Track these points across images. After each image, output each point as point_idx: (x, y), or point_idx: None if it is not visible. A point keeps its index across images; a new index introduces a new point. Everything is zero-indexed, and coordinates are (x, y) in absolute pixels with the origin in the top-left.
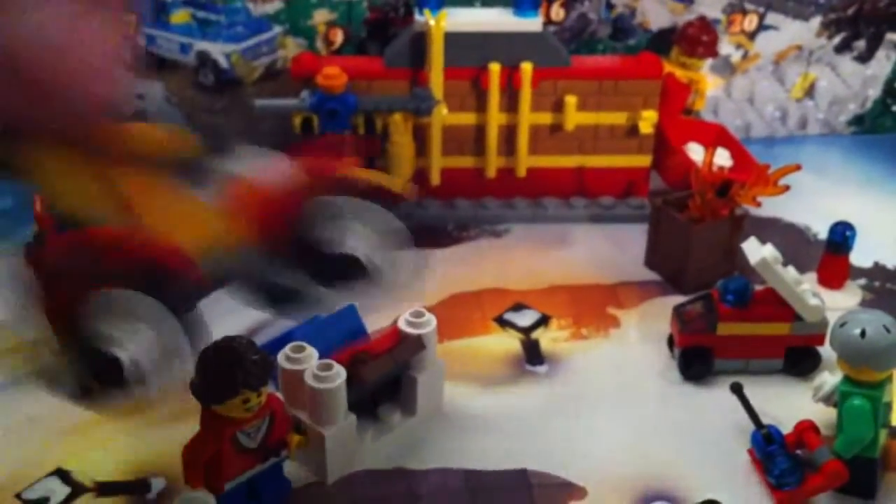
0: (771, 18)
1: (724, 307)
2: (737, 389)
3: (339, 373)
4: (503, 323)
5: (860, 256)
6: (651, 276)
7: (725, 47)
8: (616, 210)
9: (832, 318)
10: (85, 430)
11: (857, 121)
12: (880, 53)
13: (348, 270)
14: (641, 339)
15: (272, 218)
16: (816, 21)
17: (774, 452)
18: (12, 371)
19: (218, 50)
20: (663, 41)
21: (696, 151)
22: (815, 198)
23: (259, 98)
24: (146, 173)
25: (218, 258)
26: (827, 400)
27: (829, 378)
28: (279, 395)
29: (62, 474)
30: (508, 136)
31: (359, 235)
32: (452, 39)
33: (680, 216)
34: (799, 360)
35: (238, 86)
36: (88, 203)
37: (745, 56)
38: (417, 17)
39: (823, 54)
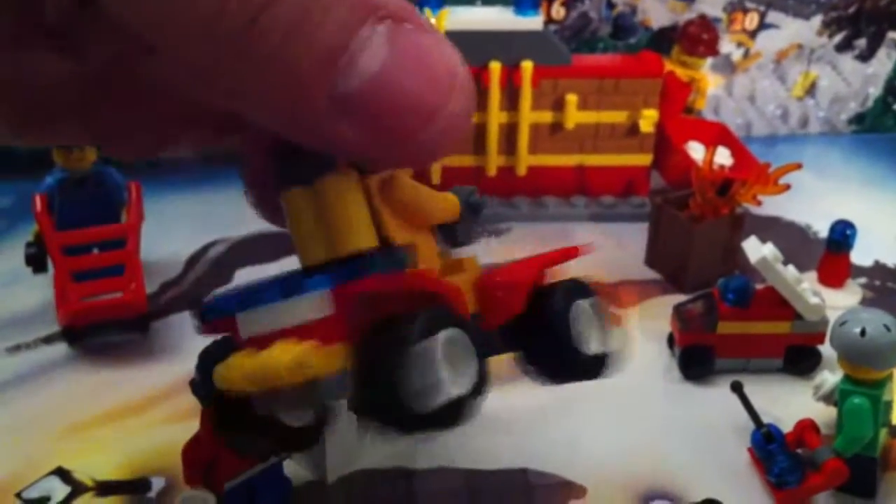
0: (772, 17)
1: (725, 306)
2: (737, 388)
3: None
4: None
5: (860, 255)
6: (651, 274)
7: (726, 46)
8: (616, 209)
9: (832, 316)
10: (85, 430)
11: (858, 119)
12: (881, 52)
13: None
14: (642, 338)
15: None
16: (817, 19)
17: (774, 451)
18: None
19: None
20: (664, 40)
21: (696, 150)
22: (815, 196)
23: None
24: (415, 228)
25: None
26: (827, 399)
27: (830, 377)
28: None
29: (62, 473)
30: (509, 134)
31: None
32: (453, 38)
33: (680, 215)
34: (799, 359)
35: None
36: (358, 233)
37: (745, 55)
38: None
39: (824, 53)
